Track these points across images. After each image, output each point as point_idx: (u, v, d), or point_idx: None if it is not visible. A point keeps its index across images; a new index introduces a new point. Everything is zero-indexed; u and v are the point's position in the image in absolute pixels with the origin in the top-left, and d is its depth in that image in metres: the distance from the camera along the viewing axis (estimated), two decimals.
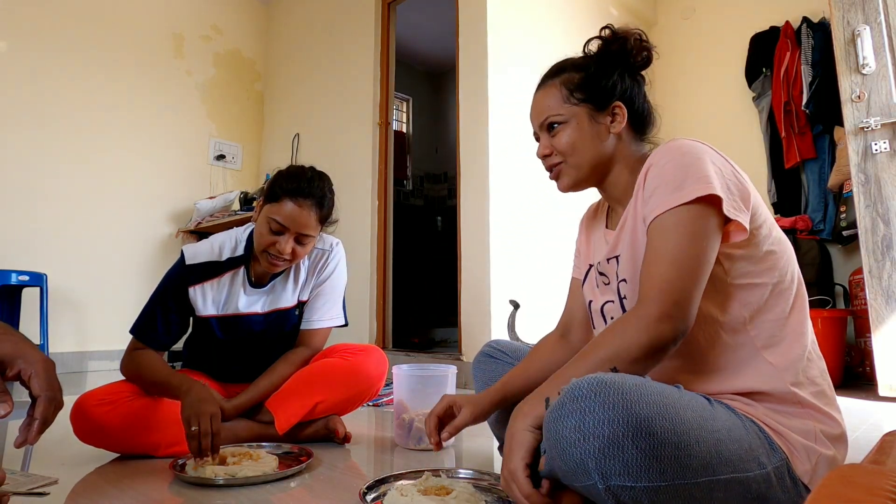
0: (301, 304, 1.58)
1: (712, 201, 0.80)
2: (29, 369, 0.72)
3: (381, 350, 1.65)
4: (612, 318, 0.98)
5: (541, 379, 1.04)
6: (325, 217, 1.48)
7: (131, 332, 1.46)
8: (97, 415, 1.30)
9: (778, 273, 0.87)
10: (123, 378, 1.43)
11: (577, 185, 1.00)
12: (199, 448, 1.16)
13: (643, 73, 1.03)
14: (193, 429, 1.16)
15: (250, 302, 1.51)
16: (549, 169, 1.01)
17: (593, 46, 1.02)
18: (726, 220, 0.82)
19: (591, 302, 1.04)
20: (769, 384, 0.83)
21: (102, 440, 1.33)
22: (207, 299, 1.47)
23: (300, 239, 1.42)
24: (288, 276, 1.56)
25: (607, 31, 1.00)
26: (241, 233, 1.54)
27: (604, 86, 0.97)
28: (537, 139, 1.03)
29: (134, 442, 1.33)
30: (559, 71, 1.01)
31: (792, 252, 0.91)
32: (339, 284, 1.62)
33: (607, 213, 1.08)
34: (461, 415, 1.03)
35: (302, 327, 1.59)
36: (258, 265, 1.50)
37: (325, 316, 1.59)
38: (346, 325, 1.64)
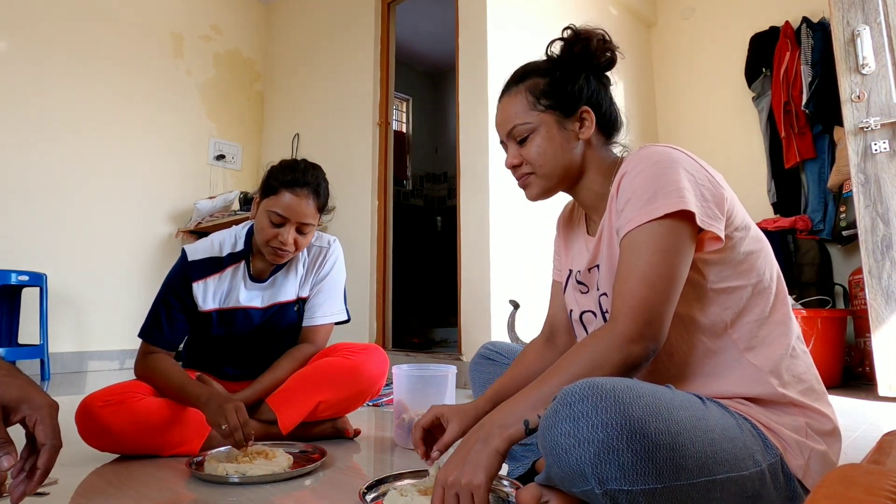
0: (301, 301, 1.60)
1: (685, 215, 0.79)
2: (34, 415, 0.70)
3: (382, 349, 1.65)
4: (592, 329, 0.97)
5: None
6: (322, 206, 1.51)
7: (139, 335, 1.48)
8: (104, 416, 1.29)
9: (757, 273, 0.86)
10: (126, 378, 1.43)
11: (546, 194, 0.99)
12: (235, 442, 1.22)
13: (608, 75, 1.01)
14: (224, 427, 1.21)
15: (251, 296, 1.54)
16: (518, 178, 0.99)
17: (556, 48, 0.99)
18: (700, 229, 0.81)
19: (571, 310, 1.03)
20: (756, 389, 0.83)
21: (109, 442, 1.32)
22: (209, 294, 1.50)
23: (301, 228, 1.46)
24: (287, 271, 1.58)
25: (569, 32, 0.98)
26: (241, 230, 1.58)
27: (570, 91, 0.94)
28: (504, 148, 1.00)
29: (140, 443, 1.33)
30: (523, 76, 0.98)
31: (770, 248, 0.91)
32: (338, 280, 1.64)
33: (586, 217, 1.06)
34: (449, 429, 0.97)
35: (304, 324, 1.60)
36: (258, 261, 1.55)
37: (327, 312, 1.61)
38: (348, 319, 1.66)
